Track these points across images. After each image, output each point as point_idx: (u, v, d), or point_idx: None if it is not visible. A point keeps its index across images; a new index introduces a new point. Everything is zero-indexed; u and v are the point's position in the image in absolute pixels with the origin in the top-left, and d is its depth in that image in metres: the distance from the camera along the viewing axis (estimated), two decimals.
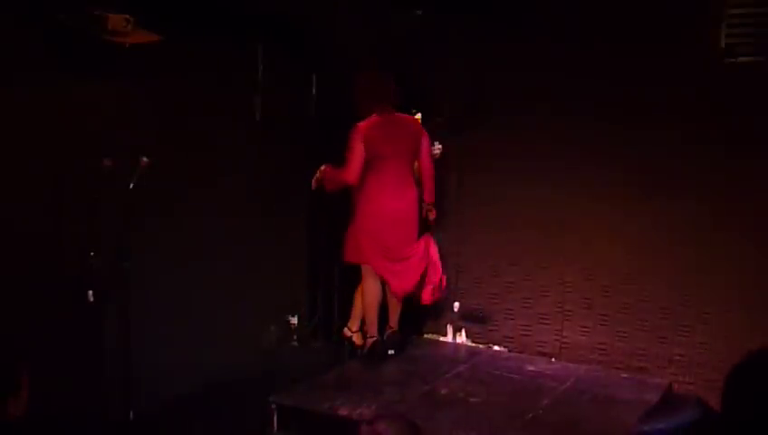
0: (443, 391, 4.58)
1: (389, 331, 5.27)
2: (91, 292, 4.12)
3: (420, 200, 5.25)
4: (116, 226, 4.09)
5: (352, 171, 4.96)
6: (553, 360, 5.24)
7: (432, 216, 5.31)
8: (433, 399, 4.47)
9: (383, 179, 5.02)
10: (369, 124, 5.00)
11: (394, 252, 5.14)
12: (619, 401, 4.48)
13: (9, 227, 3.86)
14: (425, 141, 5.20)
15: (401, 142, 5.09)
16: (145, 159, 4.05)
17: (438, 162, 5.46)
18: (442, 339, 5.72)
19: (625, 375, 4.93)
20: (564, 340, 5.25)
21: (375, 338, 5.20)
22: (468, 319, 5.63)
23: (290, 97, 5.87)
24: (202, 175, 4.96)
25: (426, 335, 5.78)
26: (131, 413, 4.09)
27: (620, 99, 4.93)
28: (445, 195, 5.57)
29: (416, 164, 5.26)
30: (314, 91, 6.02)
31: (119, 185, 4.05)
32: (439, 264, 5.31)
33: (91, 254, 4.16)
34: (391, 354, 5.22)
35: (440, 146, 5.45)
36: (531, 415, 4.23)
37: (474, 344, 5.60)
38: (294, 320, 6.02)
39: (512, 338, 5.46)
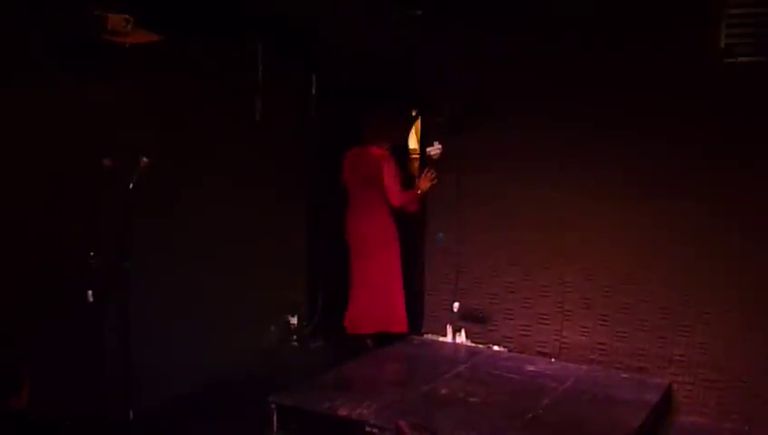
0: (443, 391, 4.58)
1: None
2: (90, 292, 4.13)
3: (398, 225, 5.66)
4: (116, 226, 4.09)
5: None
6: (553, 360, 5.24)
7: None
8: (433, 399, 4.47)
9: (352, 204, 5.67)
10: (346, 154, 5.69)
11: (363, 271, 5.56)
12: (619, 401, 4.48)
13: (9, 227, 3.86)
14: (385, 169, 5.47)
15: (360, 171, 5.59)
16: (145, 159, 4.06)
17: (439, 162, 5.48)
18: (442, 339, 5.71)
19: (625, 375, 4.93)
20: (564, 340, 5.25)
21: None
22: (468, 319, 5.62)
23: (290, 97, 5.88)
24: (202, 175, 4.97)
25: (426, 335, 5.78)
26: (131, 413, 4.09)
27: (620, 99, 4.92)
28: (445, 195, 5.57)
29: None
30: (314, 91, 6.03)
31: (119, 185, 4.05)
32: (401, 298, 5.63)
33: (91, 254, 4.16)
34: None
35: (440, 146, 5.46)
36: (531, 415, 4.22)
37: (473, 344, 5.60)
38: (294, 320, 6.03)
39: (512, 338, 5.46)
